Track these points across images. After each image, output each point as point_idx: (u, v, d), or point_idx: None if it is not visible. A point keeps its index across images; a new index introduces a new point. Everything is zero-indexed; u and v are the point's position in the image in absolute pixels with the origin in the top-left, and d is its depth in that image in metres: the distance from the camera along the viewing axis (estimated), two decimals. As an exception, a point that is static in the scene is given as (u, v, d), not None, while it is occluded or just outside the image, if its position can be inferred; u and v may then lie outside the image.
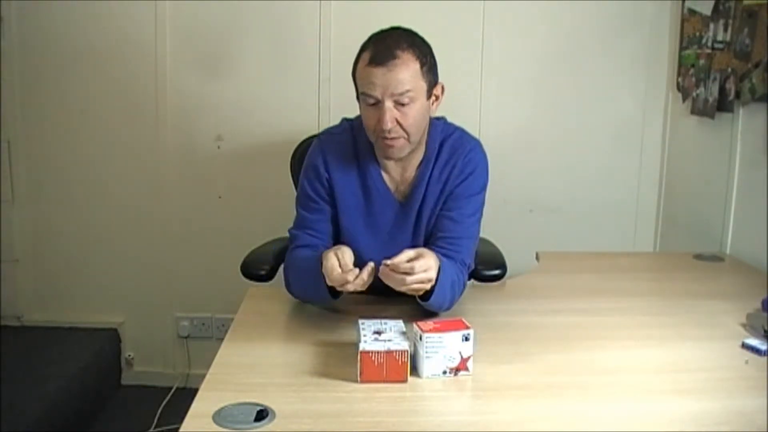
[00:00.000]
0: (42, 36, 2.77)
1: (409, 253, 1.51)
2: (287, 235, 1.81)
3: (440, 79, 1.71)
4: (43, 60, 2.79)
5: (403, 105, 1.60)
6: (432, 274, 1.52)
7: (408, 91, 1.60)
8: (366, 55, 1.62)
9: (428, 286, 1.53)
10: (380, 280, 1.53)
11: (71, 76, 2.81)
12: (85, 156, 2.86)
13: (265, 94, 2.80)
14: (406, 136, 1.64)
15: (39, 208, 2.90)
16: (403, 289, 1.51)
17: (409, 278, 1.48)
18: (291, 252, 1.77)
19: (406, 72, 1.59)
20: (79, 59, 2.79)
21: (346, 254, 1.55)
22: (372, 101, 1.62)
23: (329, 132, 1.85)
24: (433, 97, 1.69)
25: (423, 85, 1.63)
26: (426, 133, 1.74)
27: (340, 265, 1.53)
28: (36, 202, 2.89)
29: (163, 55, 2.77)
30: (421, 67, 1.62)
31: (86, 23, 2.76)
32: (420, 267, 1.49)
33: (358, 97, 1.69)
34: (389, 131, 1.61)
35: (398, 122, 1.61)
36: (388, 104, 1.60)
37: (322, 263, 1.55)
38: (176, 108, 2.82)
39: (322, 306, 1.70)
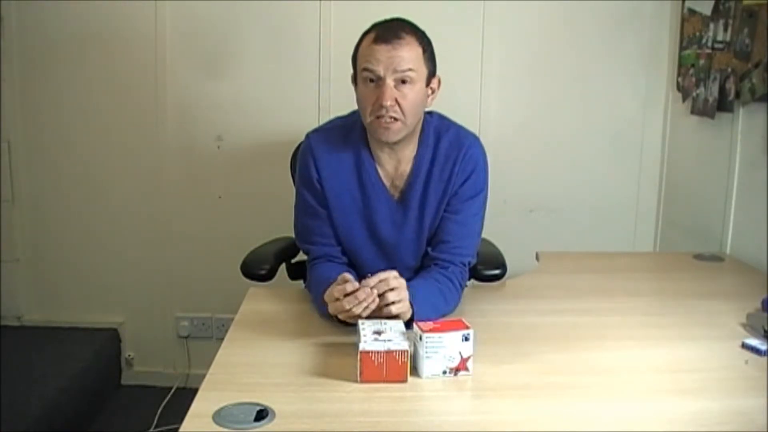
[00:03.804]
0: (42, 36, 2.77)
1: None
2: (287, 235, 1.81)
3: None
4: (43, 60, 2.79)
5: (404, 83, 1.62)
6: (401, 282, 1.51)
7: (410, 69, 1.61)
8: (370, 36, 1.65)
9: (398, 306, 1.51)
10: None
11: (71, 76, 2.81)
12: (85, 156, 2.86)
13: (265, 94, 2.80)
14: (403, 118, 1.64)
15: (39, 208, 2.90)
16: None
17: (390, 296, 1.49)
18: (309, 267, 1.79)
19: (410, 52, 1.62)
20: (79, 59, 2.79)
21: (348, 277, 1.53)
22: (373, 77, 1.62)
23: (317, 129, 1.84)
24: (430, 90, 1.70)
25: (423, 70, 1.65)
26: (420, 123, 1.74)
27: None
28: (36, 202, 2.89)
29: (163, 55, 2.77)
30: (423, 52, 1.65)
31: (86, 23, 2.76)
32: (393, 282, 1.49)
33: (355, 81, 1.69)
34: (387, 109, 1.61)
35: (397, 102, 1.62)
36: (389, 81, 1.61)
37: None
38: (176, 108, 2.82)
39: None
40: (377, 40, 1.62)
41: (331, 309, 1.53)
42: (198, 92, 2.81)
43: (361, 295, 1.46)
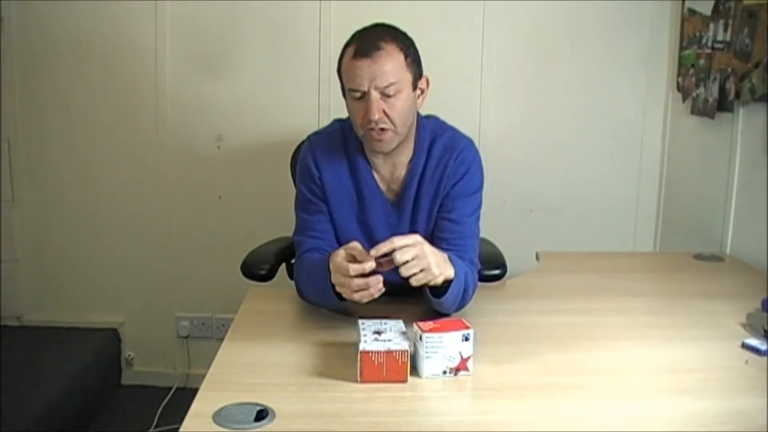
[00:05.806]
0: (42, 36, 2.77)
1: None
2: (287, 235, 1.81)
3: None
4: (43, 60, 2.80)
5: (389, 96, 1.61)
6: (415, 238, 1.48)
7: (393, 83, 1.60)
8: (350, 50, 1.63)
9: (423, 270, 1.48)
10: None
11: (71, 76, 2.81)
12: (85, 156, 2.86)
13: (264, 94, 2.80)
14: (393, 127, 1.64)
15: (39, 208, 2.90)
16: (404, 272, 1.47)
17: (398, 255, 1.44)
18: (298, 258, 1.78)
19: (391, 63, 1.60)
20: (79, 59, 2.79)
21: (357, 246, 1.52)
22: (358, 95, 1.62)
23: (319, 132, 1.86)
24: (419, 90, 1.70)
25: (408, 77, 1.64)
26: (414, 127, 1.74)
27: (356, 259, 1.50)
28: (36, 202, 2.89)
29: (163, 55, 2.77)
30: (405, 58, 1.63)
31: (86, 23, 2.76)
32: (400, 241, 1.45)
33: (344, 95, 1.69)
34: (376, 122, 1.61)
35: (385, 113, 1.62)
36: (375, 95, 1.60)
37: (329, 265, 1.54)
38: (176, 108, 2.82)
39: (331, 309, 1.68)
40: (357, 55, 1.60)
41: (335, 279, 1.52)
42: (198, 92, 2.81)
43: (372, 281, 1.47)
